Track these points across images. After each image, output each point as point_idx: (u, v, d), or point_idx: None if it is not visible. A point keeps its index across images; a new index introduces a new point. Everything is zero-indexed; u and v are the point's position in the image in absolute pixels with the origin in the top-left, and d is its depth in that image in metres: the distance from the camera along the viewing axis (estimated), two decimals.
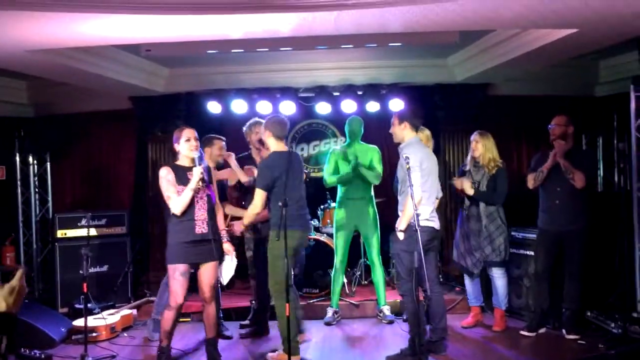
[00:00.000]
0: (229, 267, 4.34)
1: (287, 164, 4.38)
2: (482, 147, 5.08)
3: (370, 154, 5.47)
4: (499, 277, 5.11)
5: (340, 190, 5.57)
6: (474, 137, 5.14)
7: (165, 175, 4.13)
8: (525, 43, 4.97)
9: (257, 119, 5.19)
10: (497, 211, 5.05)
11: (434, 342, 4.49)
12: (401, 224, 4.26)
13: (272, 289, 4.39)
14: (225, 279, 4.35)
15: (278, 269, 4.21)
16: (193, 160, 4.14)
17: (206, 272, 4.20)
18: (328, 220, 6.43)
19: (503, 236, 5.04)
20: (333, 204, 5.94)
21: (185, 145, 4.16)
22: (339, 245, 5.52)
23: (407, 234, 4.24)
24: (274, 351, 4.56)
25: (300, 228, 4.40)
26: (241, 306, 5.67)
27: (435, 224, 4.43)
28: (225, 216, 4.65)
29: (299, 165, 4.58)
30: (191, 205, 4.10)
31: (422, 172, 4.23)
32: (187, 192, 4.06)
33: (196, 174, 4.05)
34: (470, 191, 5.02)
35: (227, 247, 4.35)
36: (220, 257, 4.27)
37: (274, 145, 4.47)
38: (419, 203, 4.14)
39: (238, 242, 5.08)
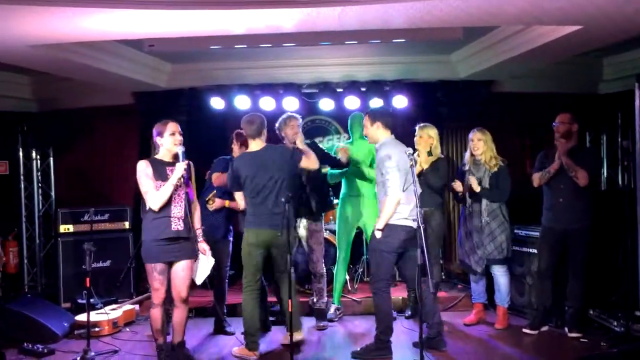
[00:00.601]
0: (204, 266, 4.24)
1: (258, 163, 4.38)
2: (484, 145, 5.07)
3: (373, 152, 5.42)
4: (501, 275, 5.11)
5: (343, 187, 5.55)
6: (474, 135, 5.12)
7: (144, 169, 4.02)
8: (529, 40, 4.95)
9: (290, 113, 5.18)
10: (499, 208, 5.04)
11: (433, 339, 4.49)
12: (379, 223, 4.27)
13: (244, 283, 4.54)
14: (199, 279, 4.23)
15: (247, 266, 4.46)
16: (176, 155, 4.04)
17: (180, 271, 4.08)
18: (331, 217, 6.42)
19: (505, 234, 5.03)
20: (336, 201, 5.92)
21: (170, 139, 4.04)
22: (342, 241, 5.51)
23: (385, 234, 4.28)
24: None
25: (269, 228, 4.31)
26: None
27: (415, 223, 4.33)
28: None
29: (280, 162, 4.43)
30: (168, 201, 3.99)
31: (400, 173, 4.23)
32: (168, 187, 3.95)
33: (179, 169, 3.96)
34: (477, 188, 5.01)
35: (203, 246, 4.23)
36: (195, 255, 4.18)
37: (251, 144, 4.51)
38: (398, 203, 4.19)
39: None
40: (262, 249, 4.39)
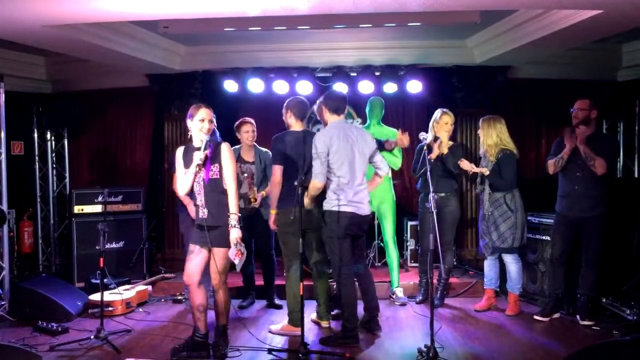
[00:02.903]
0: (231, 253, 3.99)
1: (302, 144, 4.52)
2: (482, 133, 5.04)
3: (389, 136, 5.41)
4: (510, 263, 5.07)
5: None
6: (481, 122, 5.10)
7: (176, 155, 4.10)
8: (547, 25, 4.88)
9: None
10: (503, 198, 4.98)
11: (367, 321, 4.57)
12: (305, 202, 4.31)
13: (285, 263, 4.65)
14: (237, 266, 3.99)
15: (290, 245, 4.48)
16: (201, 142, 3.93)
17: (212, 257, 4.01)
18: None
19: (508, 223, 4.96)
20: None
21: (198, 124, 3.95)
22: None
23: (326, 220, 4.30)
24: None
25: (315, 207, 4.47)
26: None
27: (357, 209, 4.31)
28: None
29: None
30: (193, 189, 3.99)
31: (334, 157, 4.22)
32: (187, 176, 3.95)
33: (195, 158, 3.89)
34: (469, 167, 5.01)
35: (234, 232, 3.92)
36: (222, 244, 3.93)
37: (294, 124, 4.62)
38: (316, 189, 4.24)
39: None
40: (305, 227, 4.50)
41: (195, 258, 4.02)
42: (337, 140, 4.26)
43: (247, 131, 5.25)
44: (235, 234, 3.89)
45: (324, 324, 4.80)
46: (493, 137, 4.99)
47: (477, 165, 5.12)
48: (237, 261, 3.88)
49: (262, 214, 5.10)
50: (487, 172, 4.97)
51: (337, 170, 4.26)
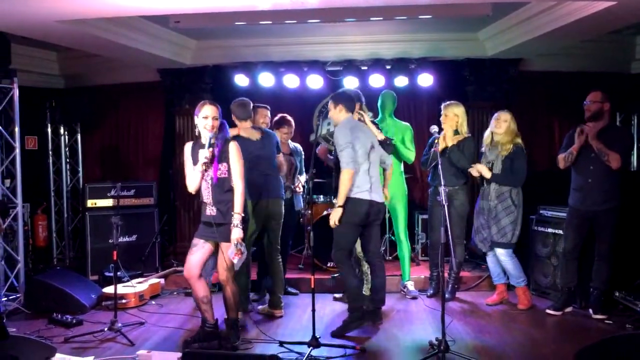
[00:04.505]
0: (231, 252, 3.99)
1: (261, 145, 4.82)
2: (507, 128, 4.98)
3: (403, 132, 5.41)
4: (506, 261, 5.03)
5: None
6: (502, 115, 5.02)
7: (185, 152, 4.09)
8: (560, 17, 4.84)
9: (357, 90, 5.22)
10: (509, 192, 4.95)
11: (370, 312, 4.58)
12: (338, 200, 4.37)
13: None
14: (236, 265, 4.01)
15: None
16: (206, 139, 3.92)
17: (220, 252, 4.02)
18: None
19: (510, 218, 4.94)
20: None
21: (202, 121, 3.92)
22: None
23: (348, 207, 4.38)
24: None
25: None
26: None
27: (375, 196, 4.44)
28: None
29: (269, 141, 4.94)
30: (201, 186, 4.00)
31: (353, 150, 4.34)
32: (195, 173, 3.97)
33: (201, 157, 3.89)
34: (487, 175, 4.99)
35: (235, 232, 3.91)
36: (229, 240, 3.91)
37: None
38: (351, 177, 4.30)
39: None
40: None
41: (197, 252, 4.04)
42: (357, 131, 4.46)
43: (286, 133, 5.52)
44: (236, 234, 3.88)
45: (278, 313, 4.95)
46: (515, 131, 4.98)
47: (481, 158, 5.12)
48: (237, 260, 3.91)
49: (294, 204, 5.41)
50: (489, 175, 4.99)
51: (359, 158, 4.39)
